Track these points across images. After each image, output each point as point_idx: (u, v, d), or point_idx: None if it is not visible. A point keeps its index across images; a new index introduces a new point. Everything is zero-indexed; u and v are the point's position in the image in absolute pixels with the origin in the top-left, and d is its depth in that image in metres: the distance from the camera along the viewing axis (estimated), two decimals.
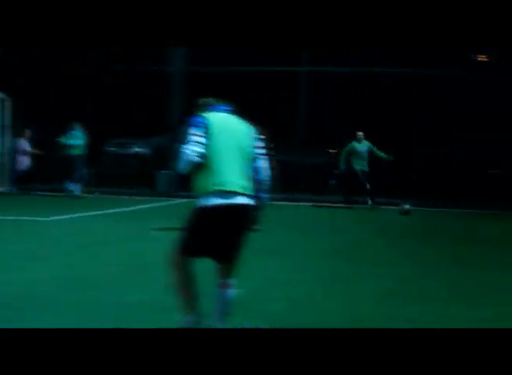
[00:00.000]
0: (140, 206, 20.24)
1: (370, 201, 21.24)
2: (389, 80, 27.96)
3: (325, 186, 24.86)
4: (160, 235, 14.33)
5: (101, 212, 18.30)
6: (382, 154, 21.55)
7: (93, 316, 7.60)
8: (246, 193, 6.37)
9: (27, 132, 24.44)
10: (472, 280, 10.42)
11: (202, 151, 6.26)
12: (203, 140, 6.29)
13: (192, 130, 6.36)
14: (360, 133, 21.50)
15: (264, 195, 6.59)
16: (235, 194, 6.29)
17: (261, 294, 8.99)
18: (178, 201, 22.26)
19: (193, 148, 6.25)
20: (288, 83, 29.33)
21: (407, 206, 19.59)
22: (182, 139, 6.42)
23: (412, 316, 7.96)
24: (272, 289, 9.34)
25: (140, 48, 24.64)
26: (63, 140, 22.90)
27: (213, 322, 6.60)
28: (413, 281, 10.21)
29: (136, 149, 28.36)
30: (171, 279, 6.71)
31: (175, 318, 7.50)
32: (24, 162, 24.14)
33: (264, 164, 6.57)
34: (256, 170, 6.51)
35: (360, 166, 21.35)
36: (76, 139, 22.68)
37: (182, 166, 6.29)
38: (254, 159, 6.51)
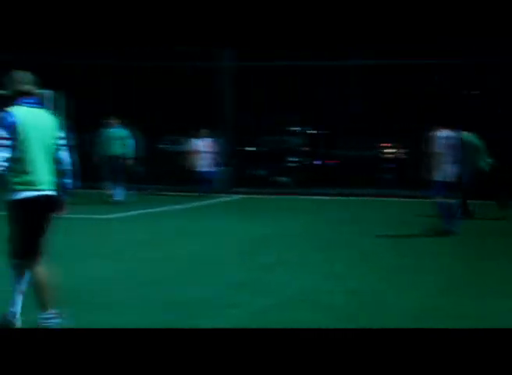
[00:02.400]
0: (194, 203, 20.33)
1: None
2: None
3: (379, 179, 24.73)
4: (221, 231, 14.47)
5: (158, 210, 18.44)
6: None
7: (154, 312, 7.68)
8: (52, 187, 6.58)
9: (204, 131, 22.99)
10: None
11: (9, 155, 6.31)
12: (10, 142, 6.31)
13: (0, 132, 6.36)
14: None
15: (68, 182, 6.75)
16: (44, 189, 6.50)
17: (321, 287, 9.03)
18: (232, 197, 22.36)
19: (1, 154, 6.30)
20: (337, 78, 29.30)
21: None
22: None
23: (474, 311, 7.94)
24: (331, 282, 9.35)
25: (195, 47, 24.68)
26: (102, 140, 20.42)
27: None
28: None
29: (185, 145, 28.46)
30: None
31: (238, 314, 7.60)
32: (202, 163, 22.72)
33: (65, 154, 6.72)
34: (59, 161, 6.67)
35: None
36: (118, 139, 19.93)
37: None
38: (57, 150, 6.66)
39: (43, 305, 6.61)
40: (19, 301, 6.70)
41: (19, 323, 6.69)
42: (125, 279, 9.44)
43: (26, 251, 6.53)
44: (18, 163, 6.39)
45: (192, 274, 9.89)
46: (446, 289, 9.06)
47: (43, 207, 6.53)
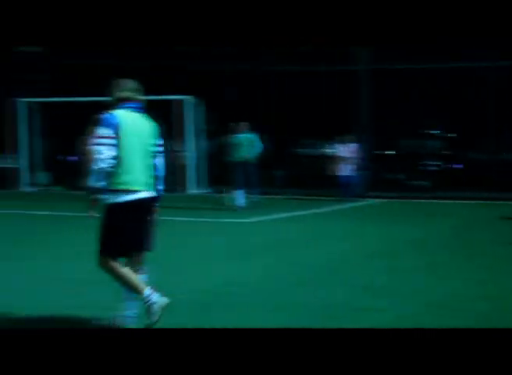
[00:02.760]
0: (332, 207, 20.30)
1: None
2: None
3: None
4: (361, 234, 14.42)
5: (297, 214, 18.51)
6: None
7: (301, 314, 7.73)
8: (149, 189, 6.83)
9: (349, 137, 22.66)
10: None
11: (114, 153, 6.60)
12: (114, 141, 6.60)
13: (103, 130, 6.62)
14: None
15: (160, 188, 6.98)
16: (140, 191, 6.74)
17: (462, 293, 8.86)
18: (369, 201, 22.21)
19: (106, 152, 6.56)
20: (473, 80, 28.63)
21: None
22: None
23: None
24: (472, 288, 9.16)
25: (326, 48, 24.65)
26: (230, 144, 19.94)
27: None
28: None
29: (326, 150, 28.49)
30: (117, 281, 6.90)
31: (380, 318, 7.53)
32: (344, 168, 22.43)
33: (160, 161, 7.00)
34: (154, 167, 6.93)
35: None
36: (248, 144, 19.36)
37: (96, 175, 6.57)
38: (153, 156, 6.93)
39: (138, 289, 6.83)
40: (131, 302, 6.92)
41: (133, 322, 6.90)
42: (268, 281, 9.51)
43: (115, 249, 6.78)
44: (119, 162, 6.67)
45: (335, 276, 9.91)
46: None
47: (137, 208, 6.77)
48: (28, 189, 26.85)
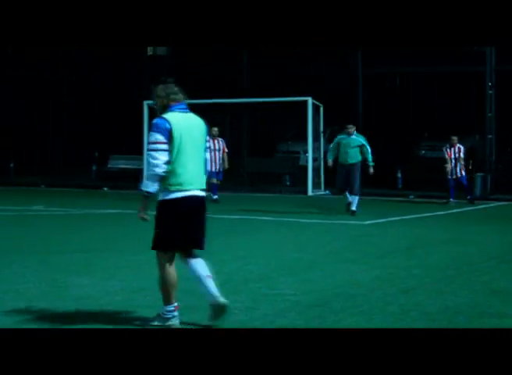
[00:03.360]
0: (455, 210, 19.92)
1: None
2: None
3: None
4: (477, 238, 14.07)
5: (414, 216, 18.27)
6: None
7: (411, 319, 7.54)
8: (202, 188, 7.02)
9: (454, 139, 22.16)
10: None
11: (167, 159, 6.79)
12: (167, 146, 6.78)
13: (156, 136, 6.77)
14: None
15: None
16: (193, 189, 6.92)
17: None
18: (494, 204, 21.69)
19: (160, 158, 6.76)
20: None
21: None
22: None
23: None
24: None
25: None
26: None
27: (208, 295, 7.02)
28: None
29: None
30: (161, 278, 6.98)
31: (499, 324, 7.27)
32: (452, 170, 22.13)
33: (208, 156, 7.23)
34: (205, 162, 7.12)
35: None
36: (356, 146, 18.55)
37: (152, 179, 6.80)
38: (205, 153, 7.13)
39: (168, 299, 6.97)
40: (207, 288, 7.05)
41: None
42: (383, 285, 9.35)
43: (166, 244, 6.93)
44: (172, 165, 6.83)
45: (459, 280, 9.69)
46: None
47: (190, 206, 6.92)
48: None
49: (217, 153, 22.06)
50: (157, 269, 7.03)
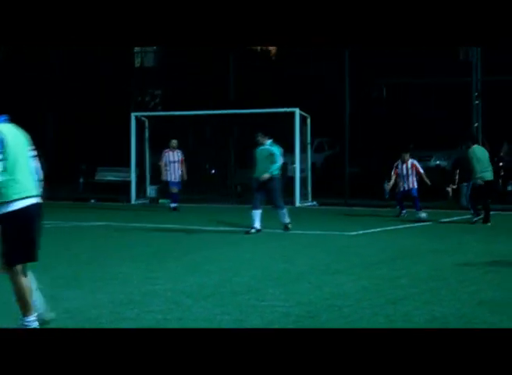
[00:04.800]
0: (442, 220, 19.98)
1: None
2: None
3: None
4: (462, 248, 14.10)
5: (401, 226, 18.33)
6: None
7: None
8: (37, 195, 7.05)
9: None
10: None
11: (2, 169, 6.78)
12: (1, 156, 6.77)
13: None
14: None
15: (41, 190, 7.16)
16: (30, 197, 6.94)
17: None
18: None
19: None
20: None
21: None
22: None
23: None
24: None
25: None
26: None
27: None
28: None
29: (437, 162, 28.13)
30: (17, 289, 6.94)
31: None
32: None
33: (35, 164, 7.21)
34: (35, 171, 7.15)
35: None
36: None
37: None
38: (31, 161, 7.14)
39: (28, 309, 6.99)
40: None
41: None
42: (370, 296, 9.37)
43: (21, 256, 6.96)
44: (8, 174, 6.85)
45: (444, 290, 9.69)
46: None
47: (33, 213, 6.98)
48: (136, 202, 27.31)
49: (176, 164, 23.74)
50: (27, 284, 7.02)
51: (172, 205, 23.43)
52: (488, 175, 18.99)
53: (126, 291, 9.48)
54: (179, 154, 23.91)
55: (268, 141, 16.91)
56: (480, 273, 11.12)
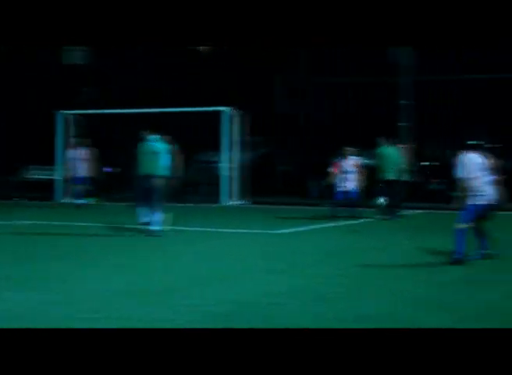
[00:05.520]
0: (369, 219, 20.10)
1: None
2: None
3: None
4: (395, 246, 14.20)
5: (331, 225, 18.38)
6: None
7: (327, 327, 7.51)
8: None
9: (351, 150, 20.68)
10: None
11: None
12: None
13: None
14: None
15: None
16: None
17: (500, 306, 8.60)
18: (410, 212, 21.93)
19: None
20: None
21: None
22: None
23: None
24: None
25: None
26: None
27: None
28: None
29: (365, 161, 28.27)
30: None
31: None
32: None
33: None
34: None
35: None
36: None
37: None
38: None
39: None
40: None
41: None
42: (300, 294, 9.32)
43: None
44: None
45: (370, 288, 9.71)
46: None
47: None
48: (63, 200, 26.93)
49: (79, 162, 24.10)
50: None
51: (78, 201, 23.66)
52: (390, 175, 19.33)
53: (58, 289, 9.28)
54: (84, 152, 24.12)
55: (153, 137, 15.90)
56: (408, 270, 11.18)
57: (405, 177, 20.19)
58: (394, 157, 19.43)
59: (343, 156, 20.47)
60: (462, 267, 11.43)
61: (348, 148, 20.50)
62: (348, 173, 20.21)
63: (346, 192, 20.20)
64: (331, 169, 20.58)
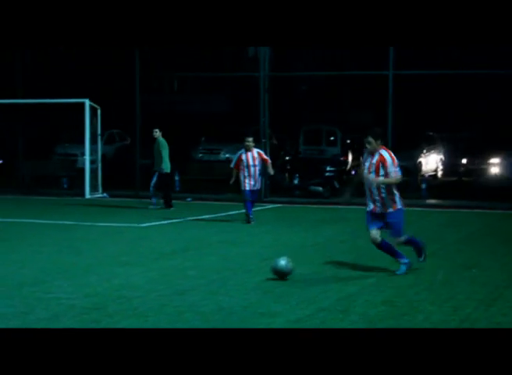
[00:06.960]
0: (231, 212, 20.28)
1: None
2: None
3: None
4: (251, 240, 14.45)
5: (192, 218, 18.44)
6: None
7: (185, 320, 7.66)
8: None
9: None
10: None
11: None
12: None
13: None
14: None
15: None
16: None
17: (364, 297, 8.96)
18: (268, 206, 22.25)
19: None
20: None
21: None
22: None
23: None
24: (371, 293, 9.27)
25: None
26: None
27: None
28: None
29: (227, 155, 28.58)
30: None
31: (277, 322, 7.53)
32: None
33: None
34: None
35: None
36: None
37: None
38: None
39: None
40: None
41: None
42: (159, 287, 9.43)
43: None
44: None
45: (232, 281, 9.91)
46: None
47: None
48: None
49: None
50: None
51: None
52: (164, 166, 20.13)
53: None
54: None
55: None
56: (266, 264, 11.41)
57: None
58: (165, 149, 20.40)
59: (247, 147, 17.50)
60: (322, 257, 11.78)
61: (249, 138, 17.64)
62: (254, 167, 17.37)
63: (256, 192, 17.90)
64: (233, 164, 17.70)
